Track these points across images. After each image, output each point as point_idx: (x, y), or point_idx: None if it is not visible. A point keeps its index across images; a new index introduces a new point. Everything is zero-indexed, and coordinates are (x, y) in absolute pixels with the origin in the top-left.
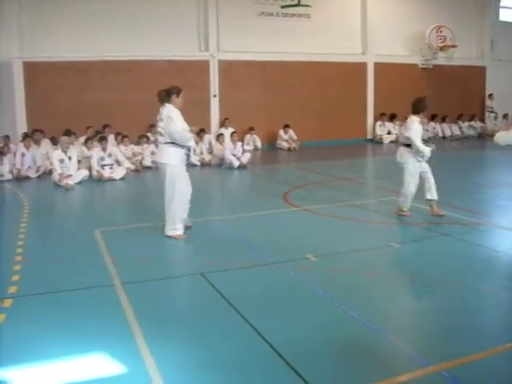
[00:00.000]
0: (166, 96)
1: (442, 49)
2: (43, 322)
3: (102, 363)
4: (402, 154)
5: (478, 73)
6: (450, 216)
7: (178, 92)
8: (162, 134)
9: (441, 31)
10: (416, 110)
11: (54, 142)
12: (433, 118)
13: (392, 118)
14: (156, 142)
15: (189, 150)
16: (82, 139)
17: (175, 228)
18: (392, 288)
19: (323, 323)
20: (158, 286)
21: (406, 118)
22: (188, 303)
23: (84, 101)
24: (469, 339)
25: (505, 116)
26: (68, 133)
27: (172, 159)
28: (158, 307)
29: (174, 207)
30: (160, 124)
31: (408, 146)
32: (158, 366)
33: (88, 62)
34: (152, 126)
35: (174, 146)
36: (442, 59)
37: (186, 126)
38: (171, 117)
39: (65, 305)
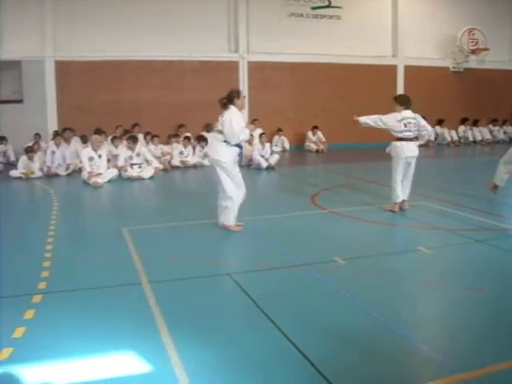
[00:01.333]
0: (228, 101)
1: (473, 52)
2: (71, 318)
3: (129, 361)
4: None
5: (510, 76)
6: (480, 221)
7: (238, 95)
8: (220, 132)
9: (473, 34)
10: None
11: (84, 140)
12: (463, 122)
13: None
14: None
15: (241, 151)
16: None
17: (229, 219)
18: (420, 293)
19: (350, 327)
20: (185, 285)
21: (440, 122)
22: (214, 303)
23: (115, 100)
24: (499, 347)
25: None
26: (99, 131)
27: (224, 157)
28: (184, 306)
29: (230, 201)
30: (220, 124)
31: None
32: (183, 364)
33: (120, 62)
34: (208, 126)
35: (229, 145)
36: (473, 62)
37: (245, 129)
38: (231, 119)
39: (92, 302)
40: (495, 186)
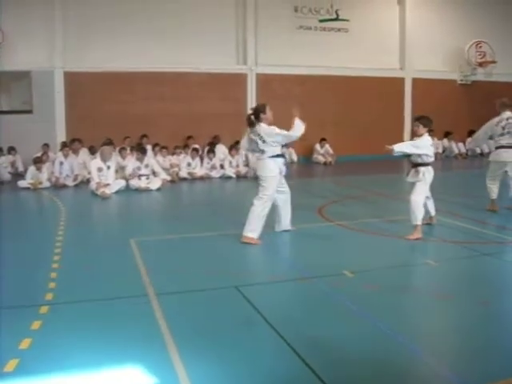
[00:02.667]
0: (255, 118)
1: (481, 65)
2: (77, 330)
3: (135, 375)
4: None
5: None
6: (488, 234)
7: (264, 109)
8: (263, 152)
9: (480, 47)
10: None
11: (93, 151)
12: (470, 134)
13: (429, 133)
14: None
15: (287, 161)
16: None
17: (256, 231)
18: (428, 307)
19: (358, 340)
20: (192, 297)
21: (448, 134)
22: (222, 316)
23: (123, 111)
24: (506, 362)
25: None
26: (108, 142)
27: (272, 171)
28: (191, 319)
29: (262, 212)
30: (261, 144)
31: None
32: (190, 379)
33: (129, 73)
34: (216, 137)
35: (273, 159)
36: (481, 75)
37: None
38: (271, 132)
39: (99, 314)
40: (492, 201)
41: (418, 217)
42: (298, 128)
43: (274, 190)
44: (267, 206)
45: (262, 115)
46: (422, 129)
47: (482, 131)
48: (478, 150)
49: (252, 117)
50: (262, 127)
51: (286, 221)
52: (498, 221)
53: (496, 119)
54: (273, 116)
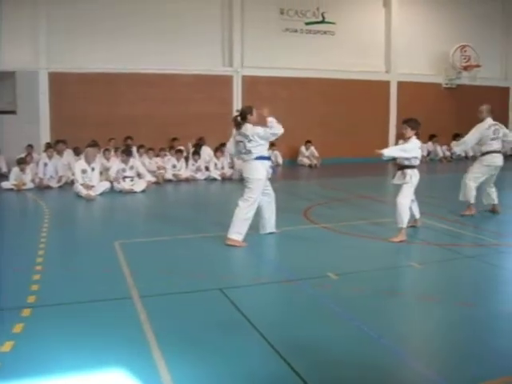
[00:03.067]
0: (242, 119)
1: (465, 69)
2: (60, 333)
3: (118, 377)
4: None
5: (502, 93)
6: (472, 236)
7: (251, 111)
8: (250, 152)
9: (465, 51)
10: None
11: (77, 152)
12: (455, 137)
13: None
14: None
15: (273, 164)
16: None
17: (240, 233)
18: (412, 309)
19: (342, 343)
20: (176, 300)
21: (432, 137)
22: (206, 319)
23: (108, 112)
24: (490, 363)
25: None
26: (93, 144)
27: (259, 174)
28: (175, 322)
29: (247, 215)
30: (248, 144)
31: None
32: (173, 380)
33: (115, 74)
34: (201, 139)
35: (261, 162)
36: (465, 79)
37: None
38: (258, 132)
39: (82, 316)
40: (471, 205)
41: (404, 220)
42: (275, 125)
43: (260, 192)
44: (252, 208)
45: (248, 116)
46: (409, 131)
47: (472, 135)
48: (463, 154)
49: (238, 118)
50: (248, 127)
51: (270, 223)
52: (481, 223)
53: (486, 123)
54: (259, 118)
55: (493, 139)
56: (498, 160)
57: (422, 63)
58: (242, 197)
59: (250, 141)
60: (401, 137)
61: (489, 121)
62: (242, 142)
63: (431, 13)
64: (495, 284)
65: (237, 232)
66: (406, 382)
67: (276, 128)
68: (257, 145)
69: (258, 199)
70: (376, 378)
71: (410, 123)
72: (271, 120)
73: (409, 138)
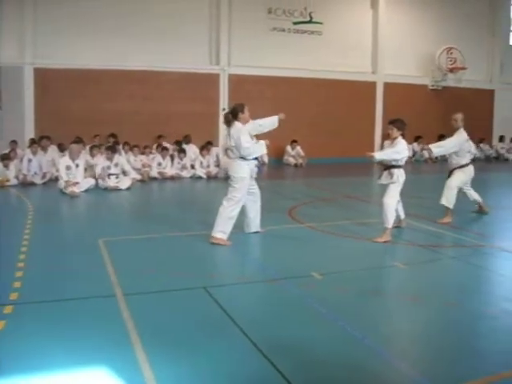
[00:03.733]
0: (232, 117)
1: (451, 71)
2: (43, 330)
3: (101, 376)
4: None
5: (487, 96)
6: (456, 238)
7: (242, 108)
8: (233, 151)
9: (451, 53)
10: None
11: (62, 148)
12: (440, 139)
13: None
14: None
15: (259, 163)
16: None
17: (225, 232)
18: (396, 309)
19: (326, 343)
20: (160, 298)
21: (418, 138)
22: (189, 317)
23: (94, 109)
24: (473, 363)
25: None
26: (78, 140)
27: (243, 172)
28: (159, 320)
29: (232, 213)
30: (232, 142)
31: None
32: (156, 379)
33: (100, 71)
34: (186, 137)
35: (246, 162)
36: (451, 81)
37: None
38: (240, 137)
39: (65, 314)
40: (451, 211)
41: (390, 220)
42: (259, 148)
43: (245, 192)
44: (237, 207)
45: (240, 114)
46: (395, 132)
47: (452, 144)
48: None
49: (230, 115)
50: (236, 126)
51: (255, 222)
52: (465, 224)
53: (464, 136)
54: (249, 117)
55: (468, 152)
56: (473, 170)
57: (408, 64)
58: (227, 196)
59: (233, 138)
60: (387, 137)
61: (464, 133)
62: (228, 139)
63: (418, 15)
64: (478, 285)
65: (221, 231)
66: (389, 383)
67: (255, 148)
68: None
69: (243, 198)
70: (360, 378)
71: (397, 124)
72: (262, 143)
73: (395, 138)
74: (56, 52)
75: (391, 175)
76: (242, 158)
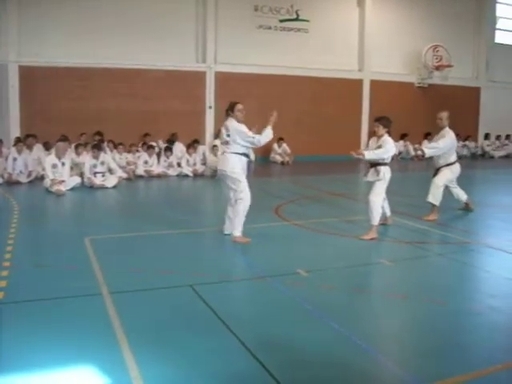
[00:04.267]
0: (231, 112)
1: (437, 68)
2: (28, 329)
3: (87, 375)
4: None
5: (473, 93)
6: (442, 235)
7: (232, 108)
8: (228, 144)
9: (437, 51)
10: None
11: (47, 147)
12: (426, 136)
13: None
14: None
15: (250, 160)
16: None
17: (240, 231)
18: (382, 306)
19: (312, 340)
20: (147, 296)
21: (404, 136)
22: (176, 315)
23: (80, 107)
24: (459, 359)
25: (498, 137)
26: (64, 139)
27: (235, 167)
28: (145, 318)
29: (246, 210)
30: (226, 138)
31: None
32: (143, 378)
33: (86, 69)
34: (173, 135)
35: (238, 156)
36: (437, 79)
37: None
38: (240, 130)
39: (51, 313)
40: (437, 209)
41: (376, 217)
42: (266, 135)
43: (246, 184)
44: (248, 200)
45: (234, 112)
46: (381, 129)
47: (446, 144)
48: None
49: (229, 111)
50: (233, 122)
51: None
52: (451, 221)
53: (452, 134)
54: (243, 117)
55: (455, 150)
56: (459, 168)
57: (394, 62)
58: (234, 196)
59: (228, 135)
60: (373, 135)
61: (452, 132)
62: (223, 132)
63: (404, 13)
64: (464, 281)
65: (240, 230)
66: (375, 380)
67: (265, 136)
68: (232, 141)
69: (248, 191)
70: (347, 375)
71: (383, 121)
72: (269, 130)
73: (381, 135)
74: (41, 50)
75: (377, 172)
76: (236, 153)
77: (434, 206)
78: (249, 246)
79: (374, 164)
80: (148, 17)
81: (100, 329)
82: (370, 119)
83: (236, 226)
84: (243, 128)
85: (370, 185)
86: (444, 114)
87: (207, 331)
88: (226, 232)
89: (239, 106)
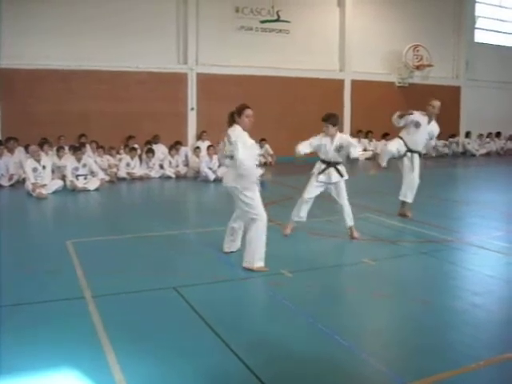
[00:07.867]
0: (234, 117)
1: (418, 68)
2: (10, 334)
3: (70, 379)
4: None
5: (453, 92)
6: (424, 233)
7: (240, 112)
8: (231, 157)
9: (417, 50)
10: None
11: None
12: (384, 137)
13: (368, 134)
14: (222, 164)
15: (262, 179)
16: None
17: (262, 258)
18: (366, 305)
19: (295, 339)
20: (130, 299)
21: (385, 135)
22: (160, 318)
23: (62, 110)
24: (442, 357)
25: (480, 136)
26: (44, 142)
27: (242, 182)
28: (129, 321)
29: (264, 235)
30: (230, 147)
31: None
32: (127, 381)
33: (67, 71)
34: (155, 137)
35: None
36: (418, 78)
37: (255, 151)
38: (237, 143)
39: (33, 317)
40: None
41: (351, 216)
42: (248, 167)
43: (260, 201)
44: (263, 225)
45: (242, 116)
46: (331, 129)
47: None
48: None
49: (233, 115)
50: (236, 129)
51: (236, 243)
52: (434, 220)
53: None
54: (250, 125)
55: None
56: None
57: (375, 62)
58: (246, 217)
59: (230, 144)
60: (354, 135)
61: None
62: (225, 142)
63: (384, 13)
64: (447, 279)
65: (260, 258)
66: (359, 377)
67: (251, 169)
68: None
69: (263, 211)
70: (330, 373)
71: (331, 120)
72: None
73: (333, 135)
74: (22, 52)
75: (340, 172)
76: None
77: (406, 202)
78: None
79: (333, 164)
80: (129, 19)
81: (83, 332)
82: (352, 119)
83: (257, 256)
84: (240, 139)
85: (352, 185)
86: (438, 103)
87: (191, 332)
88: (227, 250)
89: (249, 112)
